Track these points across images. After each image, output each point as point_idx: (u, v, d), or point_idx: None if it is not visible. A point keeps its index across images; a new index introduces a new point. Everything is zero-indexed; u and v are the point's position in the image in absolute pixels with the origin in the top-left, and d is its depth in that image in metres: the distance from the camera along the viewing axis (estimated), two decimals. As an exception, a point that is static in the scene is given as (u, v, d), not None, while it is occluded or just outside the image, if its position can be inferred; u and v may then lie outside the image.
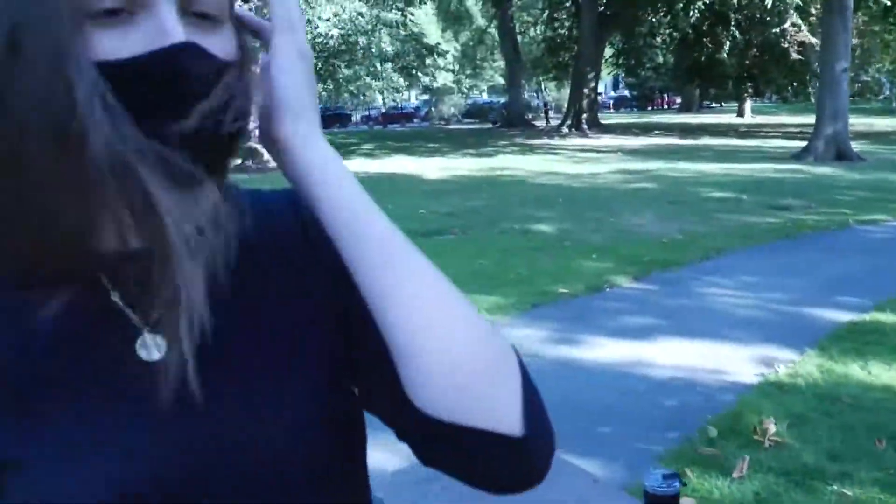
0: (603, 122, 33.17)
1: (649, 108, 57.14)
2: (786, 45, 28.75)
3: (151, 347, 0.67)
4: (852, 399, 4.19)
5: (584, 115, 29.59)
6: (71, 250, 0.61)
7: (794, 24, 27.25)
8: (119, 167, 0.57)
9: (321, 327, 0.76)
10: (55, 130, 0.56)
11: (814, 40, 25.94)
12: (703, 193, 12.95)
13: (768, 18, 27.19)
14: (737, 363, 4.86)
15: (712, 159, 18.91)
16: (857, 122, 27.34)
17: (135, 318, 0.67)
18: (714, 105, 54.74)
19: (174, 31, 0.60)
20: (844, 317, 5.79)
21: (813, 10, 24.15)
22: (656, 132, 30.08)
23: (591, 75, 29.21)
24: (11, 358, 0.65)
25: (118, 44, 0.59)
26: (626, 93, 59.51)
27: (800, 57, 29.10)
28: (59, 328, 0.66)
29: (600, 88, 41.85)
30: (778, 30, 27.69)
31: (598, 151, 21.80)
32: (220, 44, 0.65)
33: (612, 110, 56.45)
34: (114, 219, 0.61)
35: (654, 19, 30.51)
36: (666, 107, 58.68)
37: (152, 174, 0.59)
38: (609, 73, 50.80)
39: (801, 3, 22.36)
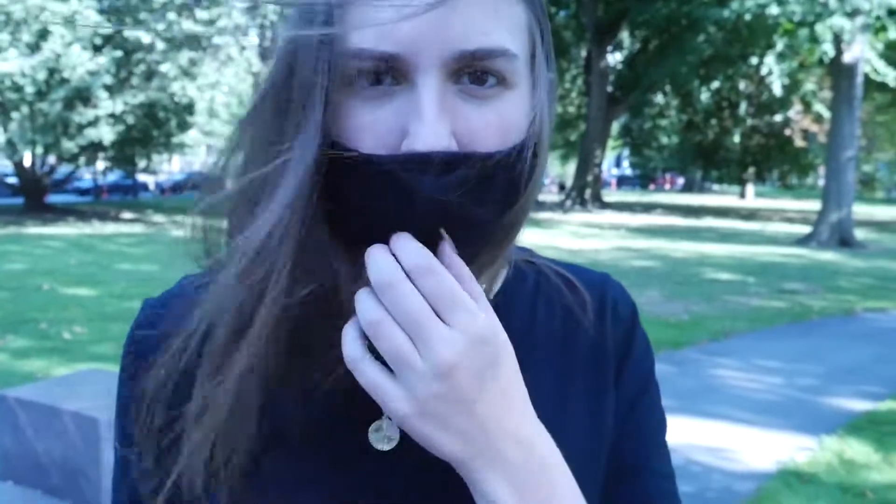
0: (605, 199, 33.47)
1: (651, 187, 57.78)
2: (789, 133, 29.26)
3: (383, 438, 0.64)
4: (875, 493, 4.04)
5: (588, 192, 29.87)
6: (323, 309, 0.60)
7: (798, 112, 27.77)
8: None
9: (597, 423, 0.72)
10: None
11: (816, 128, 26.38)
12: (707, 274, 12.91)
13: (773, 106, 27.72)
14: (753, 449, 4.72)
15: (715, 240, 18.97)
16: (858, 210, 27.61)
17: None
18: (716, 187, 55.40)
19: (427, 113, 0.55)
20: (859, 405, 5.67)
21: (818, 100, 24.60)
22: (659, 211, 30.30)
23: (597, 152, 29.59)
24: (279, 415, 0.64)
25: (367, 120, 0.57)
26: (629, 171, 60.27)
27: (803, 144, 29.59)
28: (312, 399, 0.64)
29: (603, 166, 42.48)
30: (782, 117, 28.21)
31: (601, 228, 21.88)
32: (501, 118, 0.58)
33: (614, 188, 57.10)
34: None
35: (664, 102, 31.11)
36: (668, 186, 59.34)
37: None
38: (613, 150, 51.53)
39: (810, 91, 22.80)
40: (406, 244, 0.55)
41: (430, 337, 0.53)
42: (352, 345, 0.56)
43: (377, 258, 0.55)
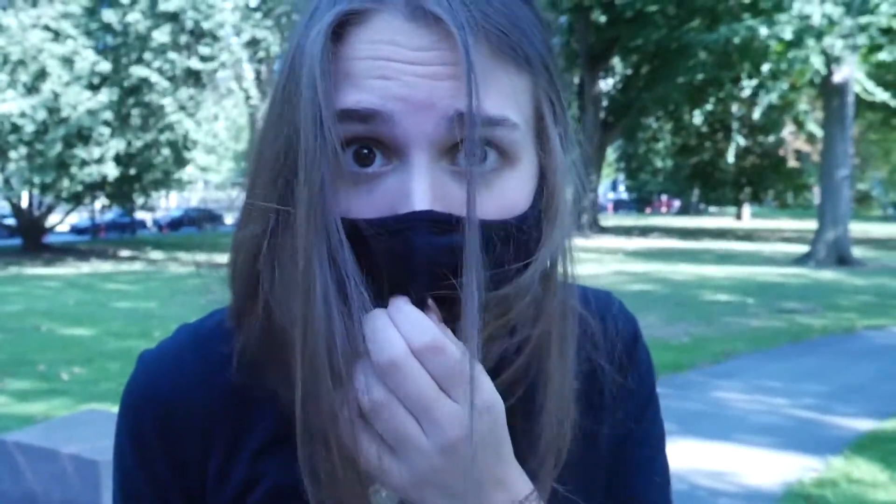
0: (602, 223, 33.52)
1: (648, 210, 57.86)
2: (783, 153, 29.39)
3: (385, 498, 0.60)
4: (883, 513, 4.01)
5: (585, 217, 29.91)
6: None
7: (791, 132, 27.93)
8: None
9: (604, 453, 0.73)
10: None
11: (809, 148, 26.50)
12: (706, 296, 12.90)
13: (766, 127, 27.89)
14: (758, 471, 4.68)
15: (713, 262, 18.97)
16: (855, 228, 27.69)
17: None
18: (712, 208, 55.51)
19: (417, 196, 0.52)
20: (863, 424, 5.63)
21: (811, 120, 24.74)
22: (656, 234, 30.34)
23: (592, 178, 29.68)
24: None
25: (364, 200, 0.55)
26: (625, 195, 60.37)
27: (797, 164, 29.71)
28: None
29: (599, 191, 42.58)
30: (774, 137, 28.36)
31: (599, 252, 21.88)
32: (501, 200, 0.55)
33: (610, 212, 57.19)
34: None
35: (657, 125, 31.28)
36: (665, 209, 59.44)
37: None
38: (609, 174, 51.70)
39: (803, 111, 23.00)
40: (409, 316, 0.52)
41: (437, 417, 0.51)
42: (348, 424, 0.52)
43: (379, 333, 0.52)
